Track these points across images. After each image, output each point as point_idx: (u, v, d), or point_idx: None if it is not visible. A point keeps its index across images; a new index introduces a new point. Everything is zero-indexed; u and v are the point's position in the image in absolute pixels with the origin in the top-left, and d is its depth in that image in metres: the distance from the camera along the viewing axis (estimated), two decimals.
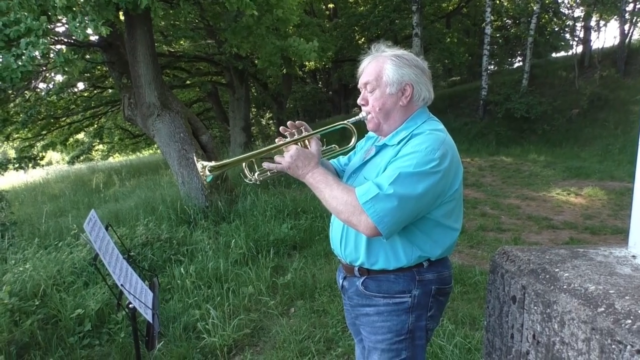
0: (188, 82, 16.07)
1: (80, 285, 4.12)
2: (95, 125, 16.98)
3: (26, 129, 12.47)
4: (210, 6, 9.29)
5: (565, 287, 1.49)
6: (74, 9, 4.79)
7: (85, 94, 14.57)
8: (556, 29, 24.59)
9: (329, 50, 15.02)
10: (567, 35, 24.54)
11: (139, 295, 1.67)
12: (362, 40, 20.44)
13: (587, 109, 16.43)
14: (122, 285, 1.63)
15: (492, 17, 18.36)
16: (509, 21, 25.03)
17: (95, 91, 14.71)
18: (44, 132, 14.42)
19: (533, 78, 18.72)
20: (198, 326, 3.60)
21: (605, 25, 23.99)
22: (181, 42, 14.17)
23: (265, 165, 1.74)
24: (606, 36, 70.18)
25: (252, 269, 4.58)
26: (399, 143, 1.71)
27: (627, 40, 19.20)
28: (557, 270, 1.58)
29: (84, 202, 8.69)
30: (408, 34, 20.05)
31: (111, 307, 3.79)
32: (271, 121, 20.23)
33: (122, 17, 6.89)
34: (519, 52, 27.92)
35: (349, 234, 1.80)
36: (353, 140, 1.89)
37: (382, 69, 1.76)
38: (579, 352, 1.37)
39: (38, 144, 14.90)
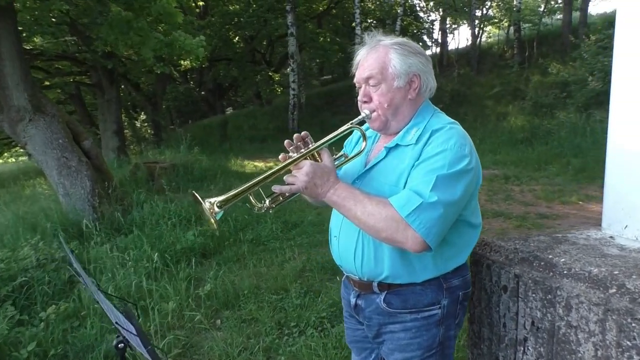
0: (47, 82, 14.51)
1: None
2: None
3: None
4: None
5: (565, 272, 1.56)
6: None
7: None
8: (415, 31, 26.58)
9: (204, 50, 14.55)
10: (425, 37, 26.68)
11: (127, 331, 1.40)
12: (237, 39, 20.18)
13: (449, 104, 17.94)
14: (116, 323, 1.35)
15: (360, 18, 19.18)
16: (374, 23, 26.40)
17: None
18: None
19: None
20: None
21: (457, 28, 26.44)
22: (35, 38, 12.74)
23: (277, 189, 1.50)
24: (460, 38, 78.13)
25: (168, 283, 4.24)
26: (417, 142, 1.54)
27: (478, 42, 21.31)
28: (550, 256, 1.65)
29: None
30: (282, 33, 20.22)
31: (12, 344, 3.23)
32: (146, 124, 19.06)
33: None
34: None
35: (367, 248, 1.59)
36: (364, 144, 1.65)
37: (386, 59, 1.56)
38: (591, 333, 1.44)
39: None
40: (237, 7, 19.12)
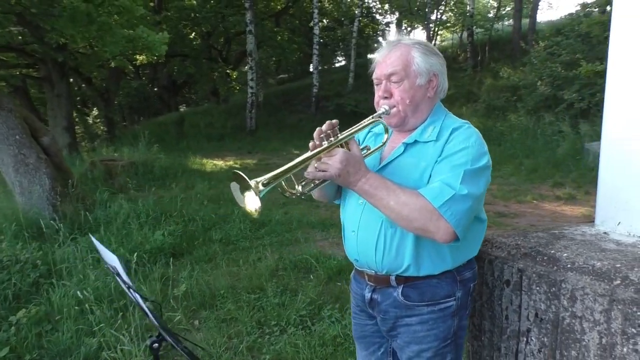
0: None
1: None
2: None
3: None
4: None
5: (569, 266, 1.65)
6: None
7: None
8: (372, 33, 27.01)
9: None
10: (381, 39, 27.17)
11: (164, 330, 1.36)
12: (193, 34, 19.81)
13: None
14: (155, 322, 1.31)
15: (318, 18, 19.30)
16: (331, 23, 26.61)
17: None
18: None
19: (357, 77, 20.17)
20: (103, 355, 3.12)
21: (412, 31, 27.02)
22: None
23: (310, 174, 1.52)
24: None
25: (143, 283, 4.14)
26: (437, 139, 1.60)
27: (432, 45, 21.85)
28: (552, 252, 1.74)
29: None
30: (239, 30, 20.04)
31: None
32: (98, 120, 18.34)
33: None
34: (338, 52, 29.91)
35: (390, 241, 1.62)
36: (385, 136, 1.68)
37: (409, 57, 1.62)
38: (596, 323, 1.53)
39: None
40: (194, 2, 18.77)
